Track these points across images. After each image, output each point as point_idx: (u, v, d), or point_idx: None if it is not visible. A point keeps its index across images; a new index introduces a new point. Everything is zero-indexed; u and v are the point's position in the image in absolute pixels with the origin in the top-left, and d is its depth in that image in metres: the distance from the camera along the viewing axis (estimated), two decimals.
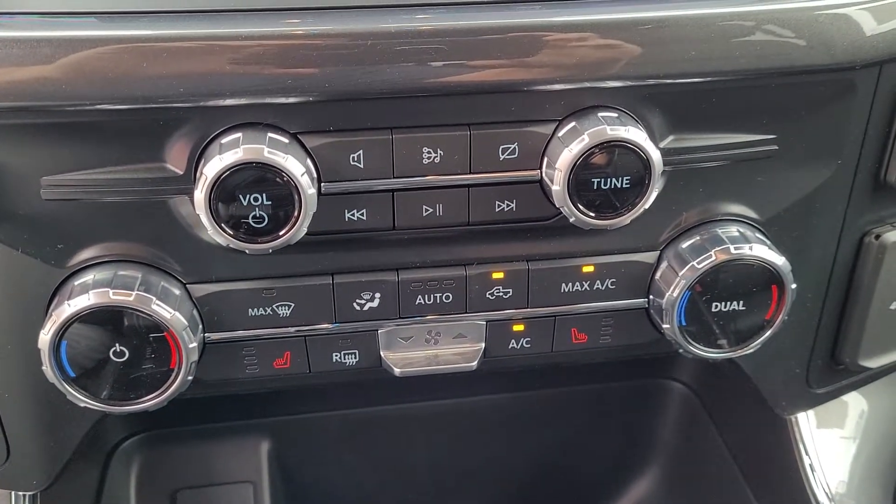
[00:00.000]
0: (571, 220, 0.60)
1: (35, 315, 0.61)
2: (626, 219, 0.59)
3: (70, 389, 0.60)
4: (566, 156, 0.58)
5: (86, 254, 0.60)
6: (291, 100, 0.56)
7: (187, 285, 0.62)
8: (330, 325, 0.65)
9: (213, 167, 0.54)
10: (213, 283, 0.62)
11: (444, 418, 0.98)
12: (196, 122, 0.56)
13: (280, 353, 0.65)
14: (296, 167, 0.55)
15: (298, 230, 0.57)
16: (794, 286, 0.65)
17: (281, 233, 0.56)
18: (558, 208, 0.60)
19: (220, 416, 0.93)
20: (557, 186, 0.58)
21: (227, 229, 0.55)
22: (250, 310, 0.63)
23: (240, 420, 0.94)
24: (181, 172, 0.58)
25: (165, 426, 0.92)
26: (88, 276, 0.59)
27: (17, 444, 0.67)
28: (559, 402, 1.00)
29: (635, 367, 0.98)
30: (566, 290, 0.66)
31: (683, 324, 0.65)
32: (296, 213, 0.56)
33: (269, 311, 0.63)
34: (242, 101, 0.56)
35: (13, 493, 0.72)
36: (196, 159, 0.57)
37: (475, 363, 0.66)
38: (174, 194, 0.58)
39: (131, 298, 0.58)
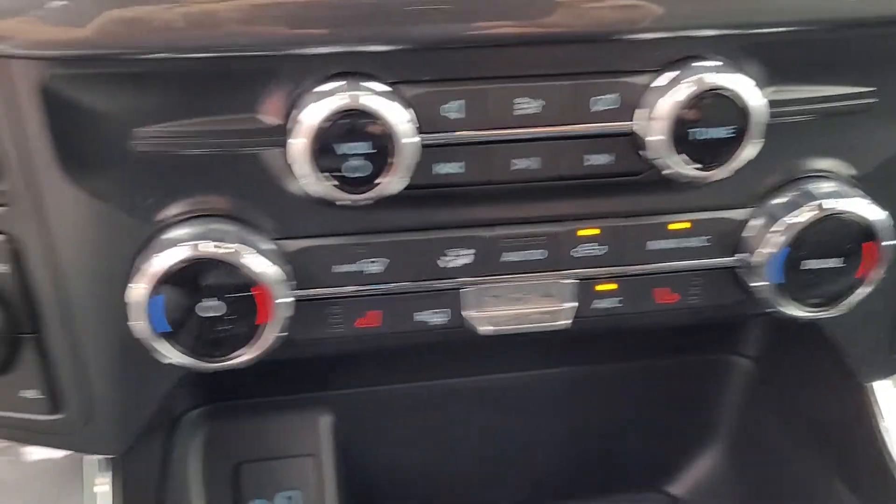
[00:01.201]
0: (668, 172, 0.59)
1: (122, 270, 0.60)
2: (728, 170, 0.58)
3: (159, 346, 0.59)
4: (668, 105, 0.57)
5: (175, 208, 0.59)
6: (389, 48, 0.56)
7: (276, 241, 0.61)
8: (414, 283, 0.64)
9: (314, 115, 0.54)
10: (302, 239, 0.61)
11: (502, 393, 0.97)
12: (292, 72, 0.56)
13: (363, 312, 0.64)
14: (398, 115, 0.54)
15: (397, 180, 0.56)
16: (893, 243, 0.63)
17: (379, 183, 0.56)
18: (652, 161, 0.59)
19: (282, 390, 0.92)
20: (658, 137, 0.57)
21: (327, 178, 0.55)
22: (337, 266, 0.62)
23: (301, 394, 0.93)
24: (274, 123, 0.57)
25: (228, 398, 0.91)
26: (179, 231, 0.58)
27: (99, 405, 0.66)
28: (617, 377, 0.99)
29: (697, 342, 0.97)
30: (657, 248, 0.64)
31: (776, 282, 0.64)
32: (395, 163, 0.55)
33: (355, 267, 0.62)
34: (340, 49, 0.55)
35: (85, 458, 0.71)
36: (290, 110, 0.57)
37: (567, 322, 0.65)
38: (267, 146, 0.58)
39: (227, 252, 0.57)
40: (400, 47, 0.55)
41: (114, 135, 0.56)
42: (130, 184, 0.58)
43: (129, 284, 0.57)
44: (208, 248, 0.57)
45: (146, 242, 0.59)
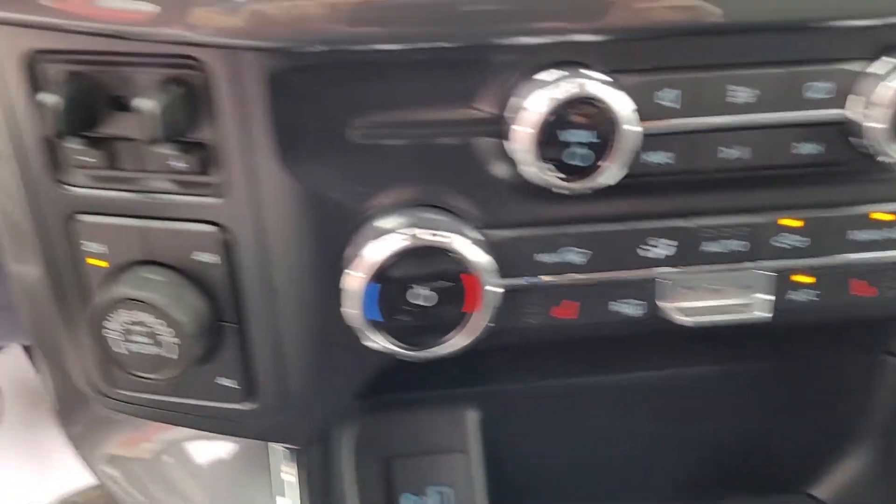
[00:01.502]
0: (883, 159, 0.58)
1: (329, 259, 0.62)
2: None
3: (370, 334, 0.60)
4: (890, 92, 0.56)
5: (386, 198, 0.60)
6: (608, 38, 0.56)
7: (482, 230, 0.62)
8: (612, 273, 0.64)
9: (540, 103, 0.54)
10: (507, 229, 0.62)
11: (647, 391, 0.97)
12: (508, 62, 0.56)
13: (559, 301, 0.65)
14: (624, 104, 0.55)
15: (617, 169, 0.56)
16: None
17: (599, 171, 0.56)
18: (865, 149, 0.59)
19: (431, 385, 0.93)
20: (877, 125, 0.57)
21: (548, 167, 0.55)
22: (539, 255, 0.62)
23: (450, 389, 0.94)
24: (489, 113, 0.58)
25: (378, 393, 0.92)
26: (391, 220, 0.60)
27: (293, 395, 0.67)
28: (764, 376, 0.98)
29: (848, 340, 0.95)
30: (859, 238, 0.64)
31: None
32: (616, 152, 0.56)
33: (557, 257, 0.62)
34: (559, 39, 0.56)
35: (271, 445, 0.72)
36: (505, 99, 0.57)
37: (764, 314, 0.65)
38: (480, 135, 0.59)
39: (444, 240, 0.58)
40: (620, 37, 0.56)
41: (332, 124, 0.58)
42: (345, 173, 0.59)
43: (347, 271, 0.58)
44: (426, 236, 0.58)
45: (356, 231, 0.61)
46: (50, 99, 0.55)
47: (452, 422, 0.95)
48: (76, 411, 0.82)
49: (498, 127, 0.57)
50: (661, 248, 0.63)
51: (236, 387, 0.67)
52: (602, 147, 0.55)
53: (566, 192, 0.56)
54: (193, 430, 0.77)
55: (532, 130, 0.54)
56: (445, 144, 0.59)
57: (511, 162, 0.58)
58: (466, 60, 0.56)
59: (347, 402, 0.69)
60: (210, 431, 0.71)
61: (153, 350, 0.63)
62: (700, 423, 1.00)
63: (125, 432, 0.84)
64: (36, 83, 0.59)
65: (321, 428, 0.70)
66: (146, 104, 0.55)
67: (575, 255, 0.62)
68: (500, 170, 0.59)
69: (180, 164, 0.59)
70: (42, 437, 1.77)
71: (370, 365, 0.66)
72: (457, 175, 0.60)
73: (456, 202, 0.61)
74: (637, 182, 0.60)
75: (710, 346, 0.94)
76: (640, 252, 0.63)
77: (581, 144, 0.55)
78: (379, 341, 0.60)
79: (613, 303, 0.65)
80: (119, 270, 0.64)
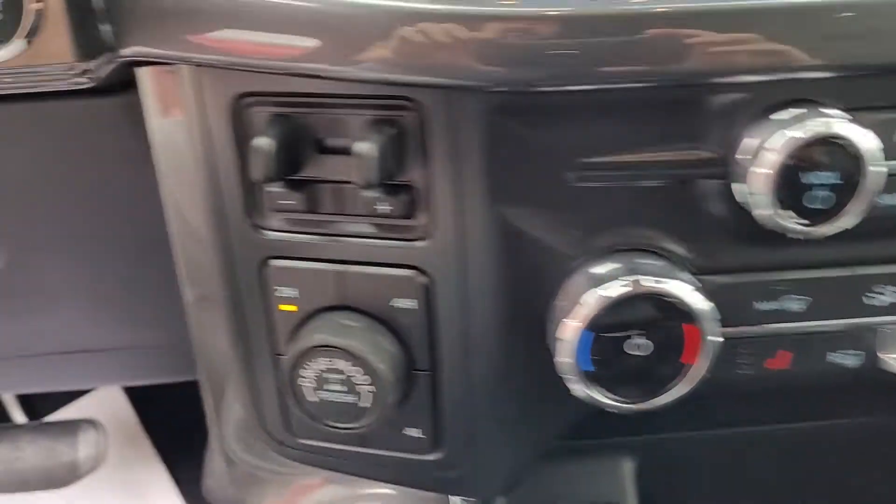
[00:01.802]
0: None
1: (536, 305, 0.59)
2: None
3: (580, 384, 0.57)
4: None
5: (599, 242, 0.58)
6: (845, 73, 0.53)
7: (698, 276, 0.59)
8: (831, 321, 0.60)
9: (781, 144, 0.51)
10: (725, 275, 0.59)
11: (810, 441, 0.92)
12: (741, 100, 0.54)
13: (774, 352, 0.61)
14: (870, 142, 0.51)
15: (858, 212, 0.53)
16: None
17: (841, 215, 0.53)
18: None
19: (586, 434, 0.90)
20: None
21: (786, 211, 0.52)
22: (758, 303, 0.59)
23: (604, 438, 0.90)
24: (714, 154, 0.55)
25: None
26: (605, 265, 0.57)
27: (481, 445, 0.65)
28: None
29: None
30: None
31: None
32: (861, 193, 0.52)
33: (776, 305, 0.59)
34: (792, 76, 0.53)
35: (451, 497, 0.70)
36: (735, 140, 0.54)
37: None
38: (703, 177, 0.56)
39: (666, 287, 0.55)
40: (860, 73, 0.53)
41: (549, 166, 0.56)
42: (558, 216, 0.57)
43: (564, 320, 0.56)
44: (649, 283, 0.55)
45: (567, 277, 0.58)
46: (264, 143, 0.55)
47: (608, 472, 0.91)
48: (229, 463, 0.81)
49: (723, 168, 0.54)
50: (887, 296, 0.59)
51: (423, 437, 0.65)
52: (844, 189, 0.52)
53: (800, 237, 0.53)
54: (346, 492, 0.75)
55: (771, 172, 0.51)
56: (664, 186, 0.56)
57: (734, 204, 0.55)
58: (693, 99, 0.54)
59: (538, 454, 0.66)
60: (391, 483, 0.69)
61: (348, 399, 0.61)
62: (867, 476, 0.94)
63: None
64: (239, 128, 0.59)
65: (506, 481, 0.67)
66: (364, 147, 0.53)
67: (794, 303, 0.59)
68: (721, 212, 0.56)
69: (386, 207, 0.58)
70: (141, 477, 1.76)
71: (568, 416, 0.63)
72: (674, 218, 0.57)
73: (671, 246, 0.58)
74: (868, 225, 0.57)
75: (883, 394, 0.89)
76: (865, 300, 0.59)
77: (823, 186, 0.52)
78: (590, 392, 0.57)
79: (831, 353, 0.61)
80: (310, 316, 0.63)
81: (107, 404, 1.83)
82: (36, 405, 1.79)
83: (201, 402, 1.82)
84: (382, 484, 0.80)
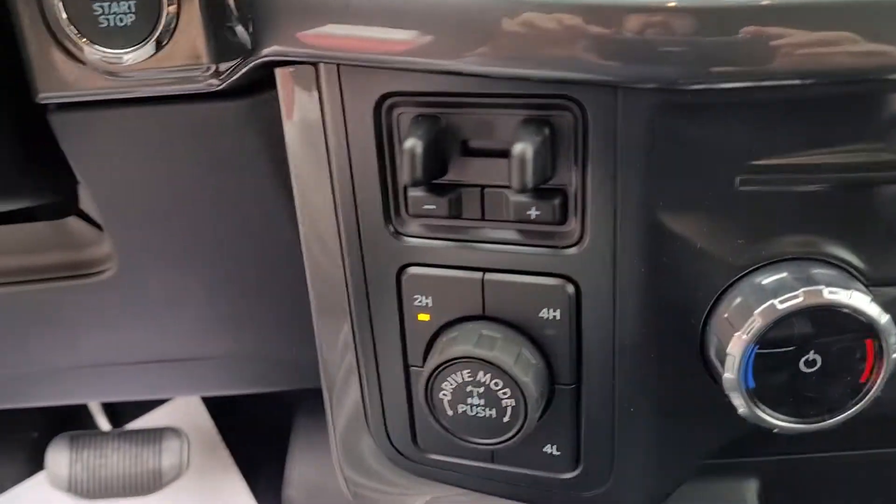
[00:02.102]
0: None
1: (693, 316, 0.56)
2: None
3: (744, 401, 0.54)
4: None
5: (766, 250, 0.54)
6: None
7: (871, 288, 0.55)
8: None
9: None
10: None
11: None
12: None
13: None
14: None
15: None
16: None
17: None
18: None
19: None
20: None
21: None
22: None
23: (727, 458, 0.86)
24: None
25: None
26: (773, 275, 0.53)
27: (625, 463, 0.61)
28: None
29: None
30: None
31: None
32: None
33: None
34: None
35: None
36: None
37: None
38: (883, 182, 0.52)
39: (845, 299, 0.51)
40: None
41: (715, 170, 0.52)
42: (723, 223, 0.53)
43: (736, 334, 0.52)
44: (826, 295, 0.51)
45: (731, 288, 0.55)
46: (415, 145, 0.52)
47: (732, 492, 0.87)
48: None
49: None
50: None
51: (560, 454, 0.62)
52: None
53: None
54: None
55: None
56: (837, 190, 0.52)
57: None
58: (872, 97, 0.50)
59: (683, 477, 0.63)
60: (524, 502, 0.65)
61: (489, 413, 0.58)
62: None
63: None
64: (381, 130, 0.56)
65: (655, 499, 0.64)
66: (522, 149, 0.51)
67: None
68: None
69: (536, 213, 0.55)
70: (220, 486, 1.76)
71: (719, 436, 0.59)
72: (850, 225, 0.53)
73: (844, 255, 0.54)
74: None
75: None
76: None
77: None
78: (756, 411, 0.54)
79: None
80: (445, 327, 0.61)
81: (186, 413, 1.84)
82: (119, 412, 1.80)
83: (277, 412, 1.82)
84: None
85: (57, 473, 1.55)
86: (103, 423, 1.77)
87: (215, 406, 1.87)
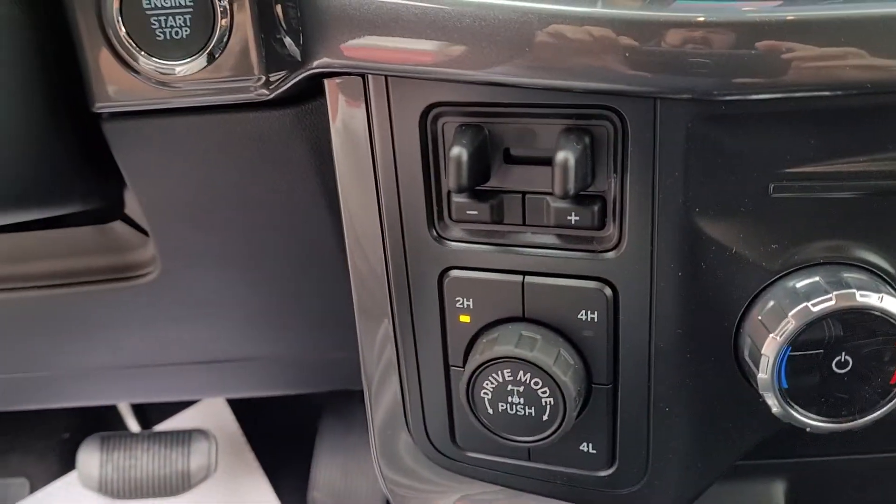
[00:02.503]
0: None
1: (725, 318, 0.58)
2: None
3: (781, 401, 0.56)
4: None
5: (799, 255, 0.56)
6: None
7: None
8: None
9: None
10: None
11: None
12: None
13: None
14: None
15: None
16: None
17: None
18: None
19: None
20: None
21: None
22: None
23: (755, 459, 0.88)
24: None
25: None
26: (806, 279, 0.55)
27: (661, 462, 0.63)
28: None
29: None
30: None
31: None
32: None
33: None
34: None
35: None
36: None
37: None
38: None
39: (877, 302, 0.53)
40: None
41: (752, 177, 0.54)
42: (759, 228, 0.55)
43: (770, 335, 0.54)
44: (859, 298, 0.53)
45: (763, 291, 0.57)
46: (460, 153, 0.55)
47: (759, 493, 0.88)
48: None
49: None
50: None
51: (597, 452, 0.64)
52: None
53: None
54: None
55: None
56: (872, 198, 0.54)
57: None
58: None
59: (715, 476, 0.64)
60: (559, 499, 0.67)
61: (529, 411, 0.60)
62: None
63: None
64: (426, 138, 0.59)
65: (679, 501, 0.65)
66: (562, 157, 0.53)
67: None
68: None
69: (575, 218, 0.57)
70: (244, 488, 1.79)
71: (752, 436, 0.61)
72: (880, 231, 0.55)
73: (875, 260, 0.56)
74: None
75: None
76: None
77: None
78: (789, 410, 0.55)
79: None
80: (485, 328, 0.63)
81: (212, 415, 1.87)
82: (148, 414, 1.84)
83: (302, 415, 1.84)
84: None
85: (88, 473, 1.58)
86: (133, 425, 1.81)
87: (241, 409, 1.90)
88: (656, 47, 0.49)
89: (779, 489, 0.88)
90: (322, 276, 0.83)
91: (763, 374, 0.54)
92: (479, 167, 0.57)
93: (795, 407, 0.55)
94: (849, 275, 0.55)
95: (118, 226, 0.89)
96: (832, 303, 0.53)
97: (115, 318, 0.97)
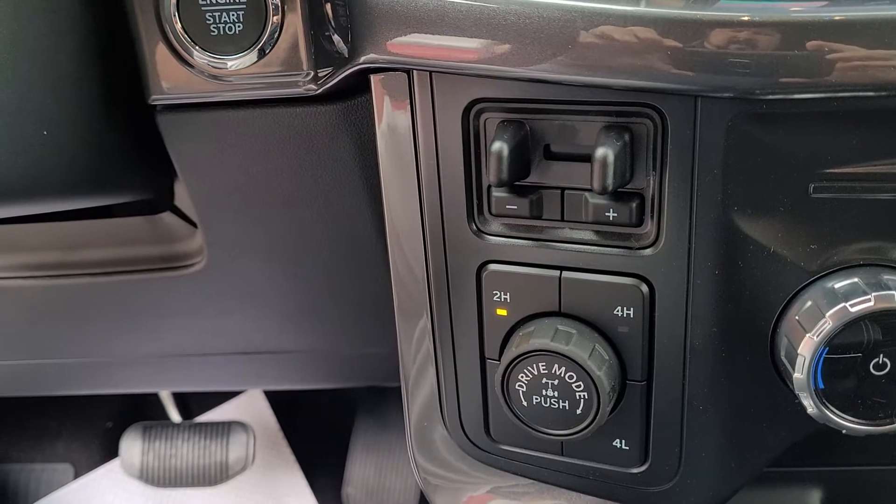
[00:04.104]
0: None
1: (762, 317, 0.58)
2: None
3: (817, 402, 0.56)
4: None
5: (838, 254, 0.56)
6: None
7: None
8: None
9: None
10: None
11: None
12: None
13: None
14: None
15: None
16: None
17: None
18: None
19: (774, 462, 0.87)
20: None
21: None
22: None
23: (792, 466, 0.87)
24: None
25: None
26: (845, 280, 0.55)
27: (693, 460, 0.64)
28: None
29: None
30: None
31: None
32: None
33: None
34: None
35: None
36: None
37: None
38: None
39: None
40: None
41: (792, 177, 0.54)
42: (798, 228, 0.55)
43: (807, 335, 0.54)
44: None
45: (802, 292, 0.57)
46: (501, 148, 0.56)
47: (795, 501, 0.88)
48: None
49: None
50: None
51: (629, 448, 0.64)
52: None
53: None
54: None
55: None
56: None
57: None
58: None
59: (749, 478, 0.64)
60: (591, 494, 0.68)
61: (563, 405, 0.61)
62: None
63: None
64: (468, 133, 0.60)
65: (712, 501, 0.66)
66: (604, 153, 0.54)
67: None
68: None
69: (613, 215, 0.58)
70: (281, 481, 1.82)
71: (787, 438, 0.61)
72: None
73: None
74: None
75: None
76: None
77: None
78: (823, 411, 0.55)
79: None
80: (522, 322, 0.64)
81: (251, 408, 1.90)
82: (188, 404, 1.87)
83: (338, 411, 1.86)
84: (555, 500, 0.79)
85: (130, 461, 1.62)
86: (174, 415, 1.85)
87: (278, 403, 1.93)
88: (700, 47, 0.50)
89: (815, 498, 0.87)
90: (361, 270, 0.85)
91: (799, 374, 0.54)
92: (520, 162, 0.58)
93: (831, 408, 0.55)
94: (889, 277, 0.54)
95: (167, 216, 0.92)
96: (871, 304, 0.53)
97: (162, 307, 0.99)
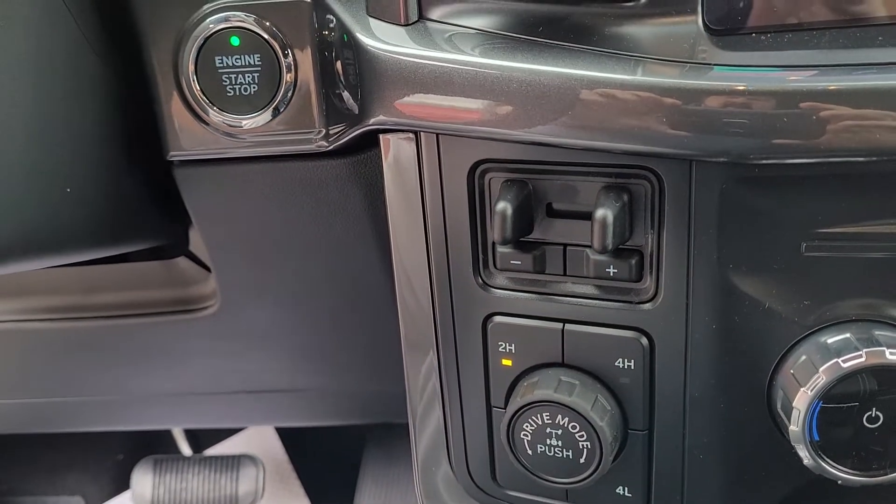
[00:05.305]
0: None
1: (758, 371, 0.60)
2: None
3: (809, 454, 0.57)
4: None
5: (831, 310, 0.58)
6: None
7: None
8: None
9: None
10: None
11: None
12: None
13: None
14: None
15: None
16: None
17: None
18: None
19: None
20: None
21: None
22: None
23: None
24: None
25: None
26: (837, 335, 0.57)
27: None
28: None
29: None
30: None
31: None
32: None
33: None
34: None
35: None
36: None
37: None
38: None
39: None
40: None
41: (785, 236, 0.56)
42: (791, 285, 0.57)
43: (802, 389, 0.56)
44: (891, 355, 0.55)
45: (796, 346, 0.59)
46: (505, 208, 0.58)
47: None
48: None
49: None
50: None
51: (632, 496, 0.66)
52: None
53: None
54: None
55: None
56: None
57: None
58: None
59: None
60: None
61: (567, 454, 0.63)
62: None
63: None
64: (474, 192, 0.62)
65: None
66: (602, 214, 0.56)
67: None
68: None
69: (614, 271, 0.60)
70: None
71: (785, 487, 0.62)
72: None
73: None
74: None
75: None
76: None
77: None
78: (819, 462, 0.57)
79: None
80: (526, 372, 0.66)
81: (260, 441, 1.91)
82: (199, 438, 1.89)
83: (347, 444, 1.87)
84: None
85: (141, 494, 1.64)
86: (185, 448, 1.86)
87: (287, 436, 1.94)
88: (694, 114, 0.52)
89: None
90: (370, 313, 0.87)
91: (795, 427, 0.56)
92: (523, 220, 0.60)
93: (827, 459, 0.57)
94: (880, 332, 0.56)
95: (182, 261, 0.94)
96: (862, 359, 0.55)
97: (176, 348, 1.02)
